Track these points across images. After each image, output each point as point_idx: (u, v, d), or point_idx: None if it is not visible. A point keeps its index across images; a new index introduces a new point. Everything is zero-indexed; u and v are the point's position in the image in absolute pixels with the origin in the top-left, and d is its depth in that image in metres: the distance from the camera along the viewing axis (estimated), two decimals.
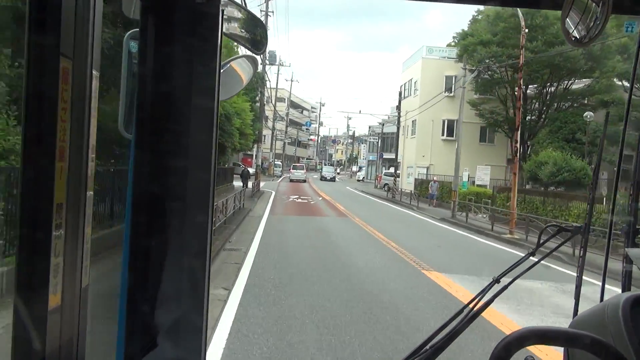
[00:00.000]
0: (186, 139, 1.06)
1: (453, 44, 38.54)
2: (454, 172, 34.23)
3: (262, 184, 34.54)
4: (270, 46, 45.79)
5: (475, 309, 1.31)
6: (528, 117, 34.06)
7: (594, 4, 1.01)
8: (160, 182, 1.06)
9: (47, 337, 0.83)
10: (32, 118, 0.82)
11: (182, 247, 1.07)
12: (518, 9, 19.95)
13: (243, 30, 1.33)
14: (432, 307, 7.71)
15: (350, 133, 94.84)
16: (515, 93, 33.69)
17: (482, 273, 9.88)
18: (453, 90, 36.29)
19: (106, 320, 1.22)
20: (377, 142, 60.12)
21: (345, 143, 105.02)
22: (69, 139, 0.84)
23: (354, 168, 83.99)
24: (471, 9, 40.35)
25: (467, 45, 32.69)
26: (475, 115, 33.95)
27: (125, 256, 1.06)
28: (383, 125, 54.83)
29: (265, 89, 37.19)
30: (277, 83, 53.00)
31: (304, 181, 51.60)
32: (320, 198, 32.27)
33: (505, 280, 1.36)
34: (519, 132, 17.49)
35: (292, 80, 68.40)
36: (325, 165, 78.93)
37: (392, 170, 44.65)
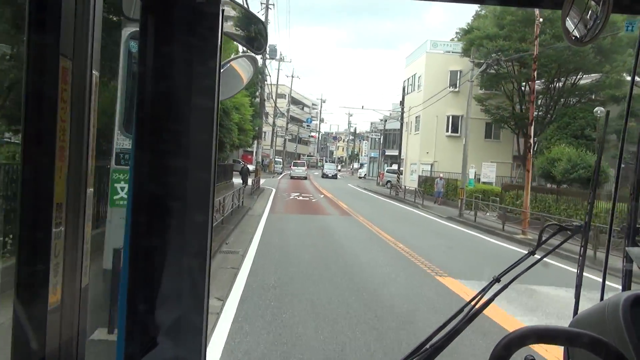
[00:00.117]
0: (186, 138, 1.06)
1: (456, 39, 37.78)
2: (459, 169, 33.70)
3: (262, 181, 33.82)
4: (271, 41, 44.92)
5: (475, 308, 1.31)
6: (535, 113, 33.25)
7: (594, 3, 1.01)
8: (160, 182, 1.06)
9: (46, 336, 0.84)
10: (31, 118, 0.83)
11: (182, 247, 1.07)
12: None
13: (243, 30, 1.35)
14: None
15: (352, 130, 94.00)
16: (523, 88, 33.13)
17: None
18: (458, 85, 35.51)
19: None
20: (379, 139, 59.25)
21: (346, 140, 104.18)
22: (69, 138, 0.85)
23: (355, 165, 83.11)
24: (472, 8, 39.50)
25: (472, 39, 31.83)
26: (480, 111, 33.26)
27: (125, 256, 1.06)
28: (385, 121, 53.92)
29: (266, 85, 36.38)
30: (277, 78, 52.21)
31: (305, 178, 51.14)
32: (322, 195, 31.56)
33: (505, 280, 1.36)
34: (532, 126, 16.63)
35: (292, 76, 67.66)
36: (326, 162, 78.06)
37: (394, 167, 43.88)
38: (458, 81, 35.59)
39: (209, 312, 1.10)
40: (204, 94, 1.05)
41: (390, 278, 9.48)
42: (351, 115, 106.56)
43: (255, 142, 33.69)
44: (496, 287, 1.35)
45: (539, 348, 3.97)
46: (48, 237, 0.83)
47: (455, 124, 37.17)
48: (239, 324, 6.21)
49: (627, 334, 1.03)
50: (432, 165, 37.00)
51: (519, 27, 30.49)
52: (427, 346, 1.22)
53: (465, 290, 8.54)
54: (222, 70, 1.11)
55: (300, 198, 28.60)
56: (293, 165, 56.65)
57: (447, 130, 37.30)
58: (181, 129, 1.05)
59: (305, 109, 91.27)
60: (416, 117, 39.24)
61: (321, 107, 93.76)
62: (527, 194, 16.60)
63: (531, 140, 16.93)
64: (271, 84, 49.94)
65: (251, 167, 33.62)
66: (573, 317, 1.37)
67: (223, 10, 1.07)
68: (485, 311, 1.35)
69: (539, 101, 34.19)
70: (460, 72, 35.62)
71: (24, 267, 0.83)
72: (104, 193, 7.76)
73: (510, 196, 21.80)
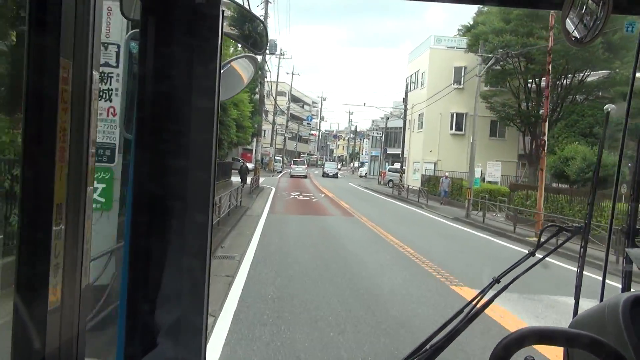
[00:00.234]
0: (186, 139, 1.06)
1: (459, 36, 36.92)
2: (463, 168, 32.99)
3: (261, 179, 32.99)
4: (271, 37, 43.89)
5: (475, 308, 1.31)
6: (541, 111, 32.41)
7: (594, 4, 1.02)
8: (160, 182, 1.06)
9: (46, 336, 0.85)
10: (32, 118, 0.83)
11: (182, 247, 1.08)
12: None
13: (243, 30, 1.36)
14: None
15: (352, 128, 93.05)
16: (530, 84, 32.23)
17: (528, 289, 8.16)
18: (462, 82, 34.67)
19: None
20: (381, 137, 58.33)
21: (346, 138, 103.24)
22: (69, 139, 0.86)
23: (356, 164, 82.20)
24: (473, 7, 38.63)
25: (478, 34, 30.92)
26: (485, 109, 32.41)
27: (126, 256, 1.07)
28: (387, 119, 52.99)
29: (265, 81, 35.48)
30: (277, 75, 51.28)
31: (305, 177, 50.48)
32: (323, 195, 30.72)
33: (505, 281, 1.37)
34: (547, 123, 15.75)
35: (293, 74, 66.70)
36: (327, 160, 77.11)
37: (396, 165, 43.02)
38: (462, 78, 34.72)
39: (208, 313, 1.08)
40: (204, 94, 1.05)
41: (405, 293, 8.62)
42: (352, 114, 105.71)
43: (255, 139, 32.83)
44: (496, 287, 1.35)
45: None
46: (48, 237, 0.83)
47: (459, 121, 36.31)
48: (231, 347, 5.36)
49: (627, 334, 1.03)
50: (435, 164, 36.14)
51: (526, 22, 29.66)
52: (427, 347, 1.22)
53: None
54: (222, 71, 1.11)
55: (301, 197, 27.78)
56: (293, 164, 56.04)
57: (451, 128, 36.44)
58: (181, 129, 1.05)
59: (306, 107, 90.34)
60: (419, 114, 38.34)
61: (321, 105, 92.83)
62: (540, 194, 15.73)
63: (545, 138, 16.02)
64: (271, 81, 49.06)
65: (250, 166, 32.74)
66: (573, 317, 1.35)
67: (223, 11, 1.07)
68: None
69: (544, 98, 33.38)
70: (465, 68, 34.77)
71: (24, 266, 0.84)
72: None
73: (520, 196, 20.90)
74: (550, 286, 8.67)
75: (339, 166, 70.30)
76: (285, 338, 5.76)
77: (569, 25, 1.06)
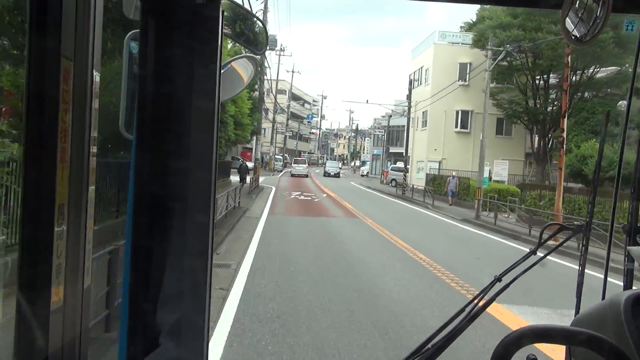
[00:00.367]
0: (187, 139, 1.06)
1: (461, 34, 35.92)
2: (468, 166, 31.94)
3: (261, 178, 31.90)
4: (271, 33, 42.81)
5: (476, 307, 1.31)
6: (550, 108, 31.42)
7: (594, 2, 1.02)
8: (161, 183, 1.06)
9: (49, 337, 0.84)
10: (33, 119, 0.83)
11: (184, 247, 1.07)
12: None
13: (243, 30, 1.36)
14: None
15: (354, 126, 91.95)
16: (537, 81, 31.20)
17: (562, 303, 7.11)
18: (468, 78, 33.53)
19: None
20: (383, 136, 57.24)
21: (347, 137, 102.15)
22: (70, 139, 0.86)
23: (357, 162, 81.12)
24: (473, 5, 37.71)
25: (484, 29, 29.87)
26: (492, 106, 31.17)
27: (127, 256, 1.06)
28: (390, 117, 51.88)
29: (265, 79, 34.41)
30: (277, 72, 50.22)
31: (306, 176, 49.49)
32: (325, 195, 29.66)
33: (507, 279, 1.35)
34: (565, 119, 14.69)
35: (293, 72, 65.50)
36: (328, 159, 75.97)
37: (399, 164, 41.94)
38: (468, 74, 33.65)
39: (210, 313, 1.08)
40: (204, 94, 1.05)
41: (427, 312, 7.57)
42: (352, 112, 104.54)
43: (255, 138, 31.78)
44: (497, 286, 1.35)
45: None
46: (50, 238, 0.83)
47: (464, 119, 35.24)
48: None
49: (629, 332, 1.03)
50: (440, 162, 35.07)
51: (534, 16, 28.58)
52: (429, 346, 1.23)
53: (517, 321, 6.63)
54: (222, 71, 1.11)
55: (302, 197, 26.70)
56: (294, 163, 55.10)
57: (456, 126, 35.35)
58: (182, 129, 1.05)
59: (306, 105, 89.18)
60: (423, 112, 37.24)
61: (322, 103, 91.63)
62: (559, 194, 14.67)
63: (563, 135, 14.96)
64: (271, 79, 47.99)
65: (250, 165, 31.70)
66: (574, 316, 1.34)
67: (223, 11, 1.07)
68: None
69: (553, 95, 32.37)
70: (470, 64, 33.69)
71: (27, 267, 0.84)
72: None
73: (532, 196, 19.84)
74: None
75: (340, 165, 69.22)
76: None
77: (569, 24, 1.07)
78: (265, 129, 46.79)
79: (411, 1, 1.34)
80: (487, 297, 1.33)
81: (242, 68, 1.58)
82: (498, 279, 1.38)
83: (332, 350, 5.37)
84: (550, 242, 1.54)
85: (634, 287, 1.46)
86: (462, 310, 1.32)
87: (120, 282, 1.22)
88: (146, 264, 1.06)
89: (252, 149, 37.85)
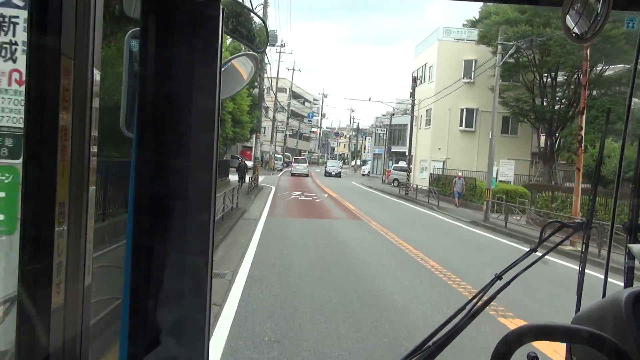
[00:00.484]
0: (187, 138, 1.06)
1: (467, 30, 35.02)
2: (473, 166, 31.05)
3: (260, 178, 30.99)
4: (271, 28, 41.77)
5: (477, 305, 1.33)
6: (557, 106, 30.56)
7: (595, 0, 1.02)
8: (161, 182, 1.06)
9: (50, 335, 0.84)
10: (33, 118, 0.84)
11: (185, 246, 1.07)
12: None
13: (244, 28, 1.36)
14: None
15: (354, 125, 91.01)
16: (545, 78, 30.32)
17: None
18: (473, 76, 32.63)
19: None
20: (384, 135, 56.31)
21: (348, 136, 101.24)
22: (71, 138, 0.86)
23: (357, 162, 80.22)
24: (473, 5, 36.97)
25: (491, 25, 29.01)
26: (498, 104, 30.14)
27: (128, 255, 1.05)
28: (392, 115, 50.94)
29: (265, 77, 33.52)
30: (278, 69, 49.31)
31: (307, 175, 48.67)
32: (326, 195, 28.79)
33: (507, 277, 1.36)
34: (584, 116, 13.82)
35: (293, 69, 64.63)
36: (328, 159, 75.02)
37: (402, 164, 41.06)
38: (473, 71, 32.71)
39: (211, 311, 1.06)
40: (204, 93, 1.05)
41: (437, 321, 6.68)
42: (353, 111, 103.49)
43: (254, 136, 30.87)
44: (498, 284, 1.36)
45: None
46: (51, 236, 0.83)
47: (469, 117, 34.32)
48: None
49: (630, 330, 1.03)
50: (444, 162, 34.15)
51: (542, 11, 27.69)
52: (430, 343, 1.23)
53: (560, 351, 5.74)
54: (222, 69, 1.11)
55: (303, 198, 25.81)
56: (294, 162, 54.31)
57: (461, 125, 34.43)
58: (182, 128, 1.04)
59: (307, 103, 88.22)
60: (427, 110, 36.31)
61: (323, 102, 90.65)
62: (577, 196, 13.78)
63: (582, 133, 14.09)
64: (271, 77, 47.10)
65: (250, 164, 30.81)
66: (575, 313, 1.32)
67: (224, 9, 1.07)
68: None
69: (560, 93, 31.51)
70: (476, 61, 32.77)
71: (27, 266, 0.84)
72: None
73: (544, 198, 18.95)
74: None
75: (341, 164, 68.29)
76: None
77: (570, 21, 1.08)
78: (265, 128, 45.90)
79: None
80: (487, 295, 1.34)
81: (242, 66, 1.57)
82: (498, 277, 1.38)
83: None
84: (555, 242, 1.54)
85: (634, 285, 1.41)
86: (463, 308, 1.33)
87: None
88: (147, 263, 1.05)
89: (252, 147, 36.95)
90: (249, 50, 1.53)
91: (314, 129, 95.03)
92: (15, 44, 3.11)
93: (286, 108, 63.21)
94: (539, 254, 1.48)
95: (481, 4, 34.31)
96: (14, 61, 3.09)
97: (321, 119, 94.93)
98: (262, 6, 27.85)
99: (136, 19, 1.05)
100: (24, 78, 3.48)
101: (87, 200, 0.91)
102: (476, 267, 10.77)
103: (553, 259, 11.89)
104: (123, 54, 1.11)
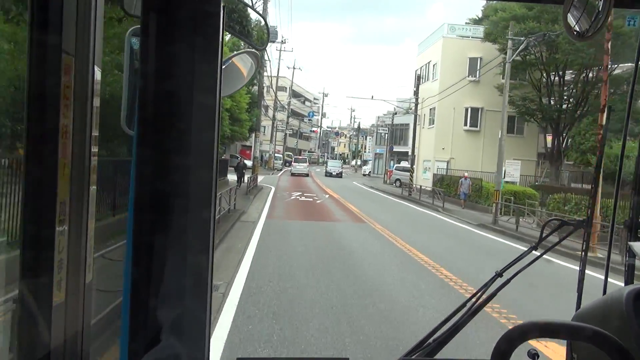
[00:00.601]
0: (188, 136, 1.05)
1: (471, 27, 34.20)
2: (478, 166, 30.24)
3: (260, 178, 30.13)
4: (271, 24, 40.87)
5: (478, 302, 1.34)
6: (565, 106, 29.75)
7: None
8: (162, 179, 1.04)
9: (51, 332, 0.84)
10: (35, 115, 0.82)
11: (185, 244, 1.06)
12: None
13: (244, 26, 1.36)
14: None
15: (355, 124, 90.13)
16: (552, 77, 29.50)
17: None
18: (478, 74, 31.80)
19: None
20: (386, 134, 55.47)
21: (348, 136, 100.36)
22: (72, 135, 0.85)
23: (358, 162, 79.37)
24: (473, 5, 36.14)
25: (497, 21, 28.21)
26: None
27: (129, 252, 1.04)
28: (394, 114, 50.09)
29: (265, 75, 32.69)
30: (278, 67, 48.45)
31: (307, 175, 47.86)
32: (327, 195, 27.99)
33: (508, 275, 1.35)
34: (605, 113, 12.99)
35: (294, 68, 63.78)
36: (329, 158, 74.13)
37: (404, 164, 40.25)
38: (478, 70, 31.89)
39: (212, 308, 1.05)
40: (205, 90, 1.04)
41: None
42: (354, 110, 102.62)
43: (253, 135, 30.04)
44: (499, 281, 1.35)
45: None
46: (52, 234, 0.82)
47: (474, 117, 33.50)
48: None
49: (630, 327, 1.03)
50: (448, 162, 33.31)
51: (550, 7, 26.89)
52: (430, 340, 1.25)
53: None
54: (223, 67, 1.10)
55: (303, 198, 24.98)
56: (294, 162, 53.53)
57: (466, 124, 33.59)
58: (183, 126, 1.03)
59: (307, 102, 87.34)
60: (430, 109, 35.47)
61: (323, 101, 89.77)
62: (597, 201, 12.94)
63: (601, 132, 13.27)
64: (271, 75, 46.29)
65: (249, 163, 29.97)
66: (575, 311, 1.32)
67: (224, 7, 1.07)
68: None
69: (569, 92, 30.72)
70: (481, 59, 31.96)
71: (29, 263, 0.82)
72: None
73: (556, 200, 18.12)
74: None
75: (341, 164, 67.42)
76: None
77: (571, 19, 1.06)
78: (264, 127, 45.08)
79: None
80: (488, 293, 1.33)
81: (243, 64, 1.56)
82: (499, 275, 1.39)
83: None
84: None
85: (635, 282, 1.38)
86: (464, 305, 1.34)
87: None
88: (147, 260, 1.03)
89: (251, 146, 36.13)
90: (250, 48, 1.51)
91: (314, 129, 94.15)
92: None
93: (286, 107, 62.34)
94: (537, 253, 1.50)
95: (484, 2, 33.61)
96: None
97: (321, 118, 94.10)
98: (262, 3, 27.04)
99: (136, 16, 1.04)
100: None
101: (87, 198, 0.91)
102: (487, 273, 9.92)
103: (553, 259, 11.02)
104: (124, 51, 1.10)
